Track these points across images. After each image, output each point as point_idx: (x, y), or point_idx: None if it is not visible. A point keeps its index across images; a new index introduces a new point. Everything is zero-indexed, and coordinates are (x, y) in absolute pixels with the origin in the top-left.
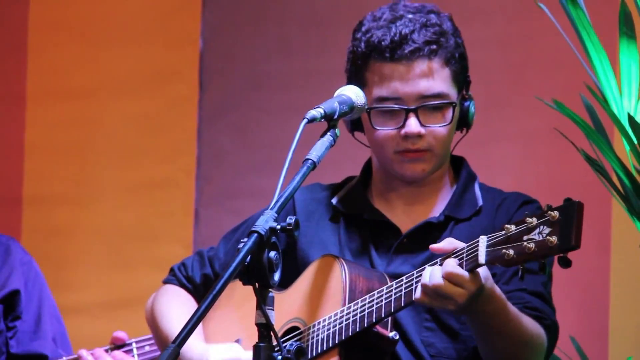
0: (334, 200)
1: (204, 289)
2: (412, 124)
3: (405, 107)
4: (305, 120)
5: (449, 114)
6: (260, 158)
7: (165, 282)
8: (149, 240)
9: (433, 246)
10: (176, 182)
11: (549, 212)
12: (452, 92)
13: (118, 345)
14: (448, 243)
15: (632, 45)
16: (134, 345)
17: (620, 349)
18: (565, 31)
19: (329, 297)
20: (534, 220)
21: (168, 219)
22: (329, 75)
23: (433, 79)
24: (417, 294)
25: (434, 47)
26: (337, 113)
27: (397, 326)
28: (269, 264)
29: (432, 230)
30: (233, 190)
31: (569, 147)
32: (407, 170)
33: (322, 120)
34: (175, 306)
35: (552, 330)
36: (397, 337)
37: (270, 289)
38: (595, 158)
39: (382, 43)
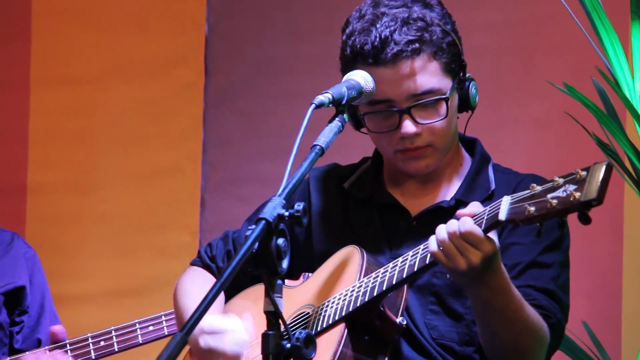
0: (346, 185)
1: None
2: (407, 125)
3: (397, 109)
4: (313, 105)
5: (442, 108)
6: (267, 144)
7: (192, 263)
8: (155, 227)
9: (460, 212)
10: (182, 169)
11: (576, 171)
12: (444, 84)
13: (57, 345)
14: (474, 206)
15: None
16: (89, 340)
17: (634, 334)
18: (576, 14)
19: (342, 281)
20: (561, 180)
21: (174, 206)
22: (337, 60)
23: (421, 76)
24: (431, 246)
25: (417, 45)
26: (345, 98)
27: None
28: (277, 251)
29: (442, 214)
30: (239, 176)
31: (580, 131)
32: (410, 168)
33: (330, 105)
34: (196, 285)
35: (556, 329)
36: (405, 323)
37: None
38: (607, 142)
39: (365, 48)
